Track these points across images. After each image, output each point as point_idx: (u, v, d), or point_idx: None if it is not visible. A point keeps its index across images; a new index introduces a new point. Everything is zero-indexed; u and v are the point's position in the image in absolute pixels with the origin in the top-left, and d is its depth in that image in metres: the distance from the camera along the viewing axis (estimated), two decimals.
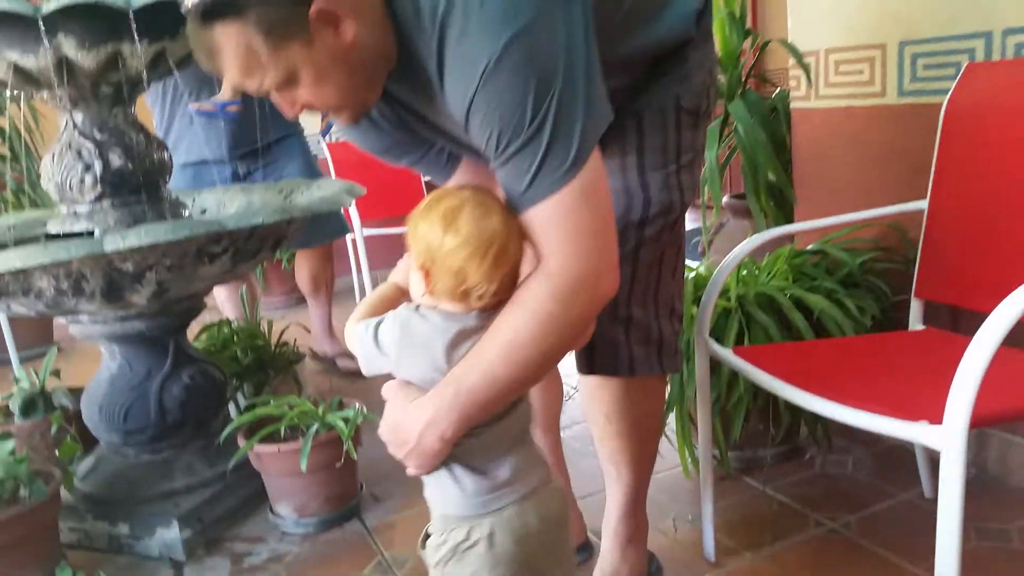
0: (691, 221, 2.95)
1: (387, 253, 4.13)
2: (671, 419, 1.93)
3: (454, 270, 1.00)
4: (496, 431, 1.08)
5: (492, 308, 1.05)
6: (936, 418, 1.10)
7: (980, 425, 1.17)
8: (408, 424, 1.04)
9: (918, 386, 1.34)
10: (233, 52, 1.00)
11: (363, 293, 3.95)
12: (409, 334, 1.05)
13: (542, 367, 1.06)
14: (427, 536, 1.13)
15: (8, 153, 3.73)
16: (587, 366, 1.38)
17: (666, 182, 1.30)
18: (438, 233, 1.00)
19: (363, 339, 1.08)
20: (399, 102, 1.16)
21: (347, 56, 1.02)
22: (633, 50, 1.22)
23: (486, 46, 0.96)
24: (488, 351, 1.01)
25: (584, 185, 1.00)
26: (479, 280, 1.01)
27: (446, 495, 1.10)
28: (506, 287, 1.04)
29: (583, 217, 1.01)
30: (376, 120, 1.23)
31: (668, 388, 1.87)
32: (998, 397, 1.20)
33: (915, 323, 1.71)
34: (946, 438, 1.08)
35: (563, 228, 1.01)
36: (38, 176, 3.68)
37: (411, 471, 1.08)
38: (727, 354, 1.52)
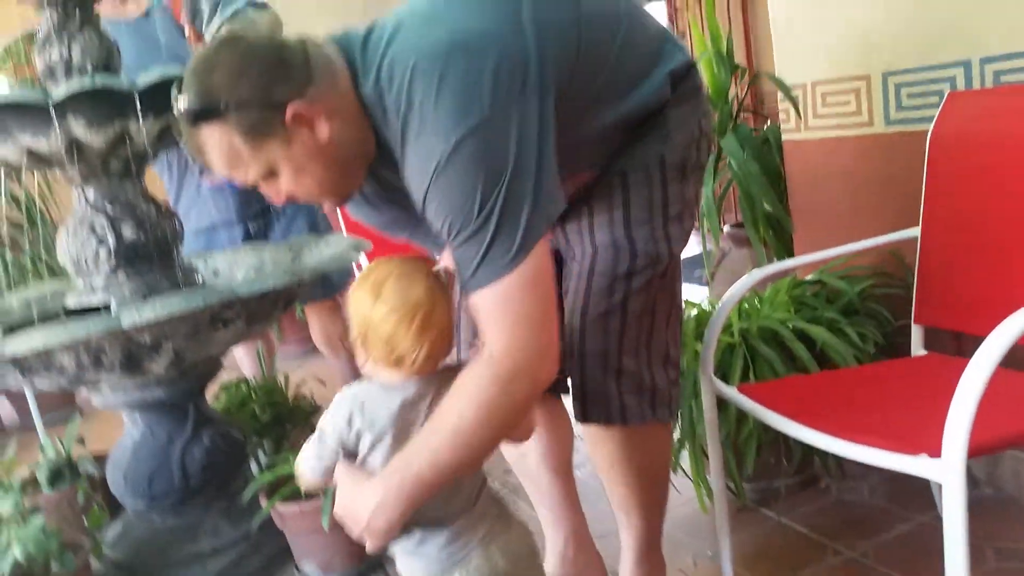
0: (696, 246, 2.99)
1: None
2: (684, 454, 1.96)
3: (384, 338, 1.10)
4: (450, 491, 1.16)
5: (430, 372, 1.13)
6: (935, 451, 1.13)
7: (980, 454, 1.19)
8: (358, 508, 1.11)
9: (918, 416, 1.36)
10: (218, 150, 1.11)
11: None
12: (360, 410, 1.13)
13: (486, 449, 1.13)
14: None
15: (25, 221, 3.82)
16: (581, 415, 1.41)
17: (652, 235, 1.33)
18: (368, 304, 1.10)
19: (306, 453, 1.18)
20: (387, 183, 1.23)
21: (323, 152, 1.12)
22: (609, 122, 1.27)
23: (438, 144, 1.05)
24: (433, 437, 1.08)
25: (527, 274, 1.07)
26: (409, 346, 1.09)
27: (414, 566, 1.18)
28: (439, 350, 1.12)
29: (524, 305, 1.08)
30: (370, 199, 1.30)
31: (679, 425, 1.89)
32: (999, 422, 1.22)
33: (917, 348, 1.73)
34: (944, 471, 1.11)
35: (504, 315, 1.08)
36: (54, 241, 3.77)
37: (369, 548, 1.14)
38: (732, 393, 1.54)
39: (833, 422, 1.33)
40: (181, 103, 1.11)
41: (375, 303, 1.10)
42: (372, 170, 1.21)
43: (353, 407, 1.14)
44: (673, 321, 1.43)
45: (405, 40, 1.11)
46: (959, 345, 1.76)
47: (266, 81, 1.07)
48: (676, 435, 1.90)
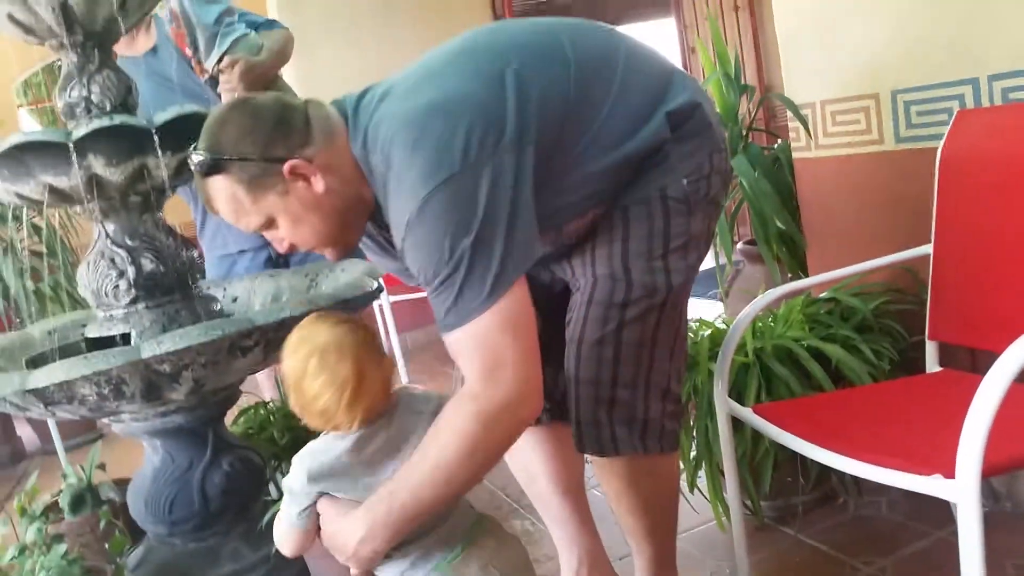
0: (710, 262, 3.00)
1: (413, 317, 4.23)
2: (701, 473, 1.96)
3: (317, 412, 1.17)
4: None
5: (366, 427, 1.20)
6: (949, 471, 1.13)
7: (996, 473, 1.20)
8: (344, 537, 1.18)
9: (932, 435, 1.36)
10: (223, 199, 1.22)
11: (391, 357, 4.00)
12: (318, 464, 1.20)
13: (468, 483, 1.18)
14: None
15: (45, 251, 3.87)
16: (578, 444, 1.42)
17: (649, 265, 1.35)
18: (299, 377, 1.17)
19: (283, 515, 1.27)
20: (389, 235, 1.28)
21: (319, 204, 1.20)
22: (609, 164, 1.29)
23: (409, 202, 1.12)
24: (415, 473, 1.14)
25: (502, 316, 1.12)
26: (344, 417, 1.16)
27: None
28: (376, 406, 1.19)
29: (500, 347, 1.12)
30: (385, 247, 1.35)
31: (694, 444, 1.90)
32: (1015, 440, 1.22)
33: (931, 365, 1.73)
34: (959, 492, 1.11)
35: (480, 356, 1.13)
36: (74, 267, 3.82)
37: (354, 573, 1.21)
38: (747, 414, 1.55)
39: (848, 442, 1.33)
40: (195, 157, 1.22)
41: (305, 378, 1.16)
42: (378, 223, 1.27)
43: (311, 464, 1.20)
44: (677, 354, 1.43)
45: (391, 105, 1.20)
46: (974, 361, 1.77)
47: (268, 139, 1.18)
48: (692, 453, 1.91)
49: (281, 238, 1.25)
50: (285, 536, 1.26)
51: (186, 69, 2.59)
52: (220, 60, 2.37)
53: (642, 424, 1.39)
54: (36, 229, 3.92)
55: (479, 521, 1.29)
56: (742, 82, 2.45)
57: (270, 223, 1.23)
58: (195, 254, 2.11)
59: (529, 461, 1.63)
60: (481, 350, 1.13)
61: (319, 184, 1.18)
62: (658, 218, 1.34)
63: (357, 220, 1.26)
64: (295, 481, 1.22)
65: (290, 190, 1.18)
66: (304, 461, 1.22)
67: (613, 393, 1.37)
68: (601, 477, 1.49)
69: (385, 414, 1.22)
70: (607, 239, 1.35)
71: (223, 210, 1.23)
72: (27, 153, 1.76)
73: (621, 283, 1.35)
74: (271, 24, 2.52)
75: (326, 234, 1.24)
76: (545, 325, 1.29)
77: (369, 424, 1.20)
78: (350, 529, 1.17)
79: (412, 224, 1.13)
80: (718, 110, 2.53)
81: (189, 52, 2.54)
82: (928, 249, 1.73)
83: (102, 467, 2.44)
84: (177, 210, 2.14)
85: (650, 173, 1.32)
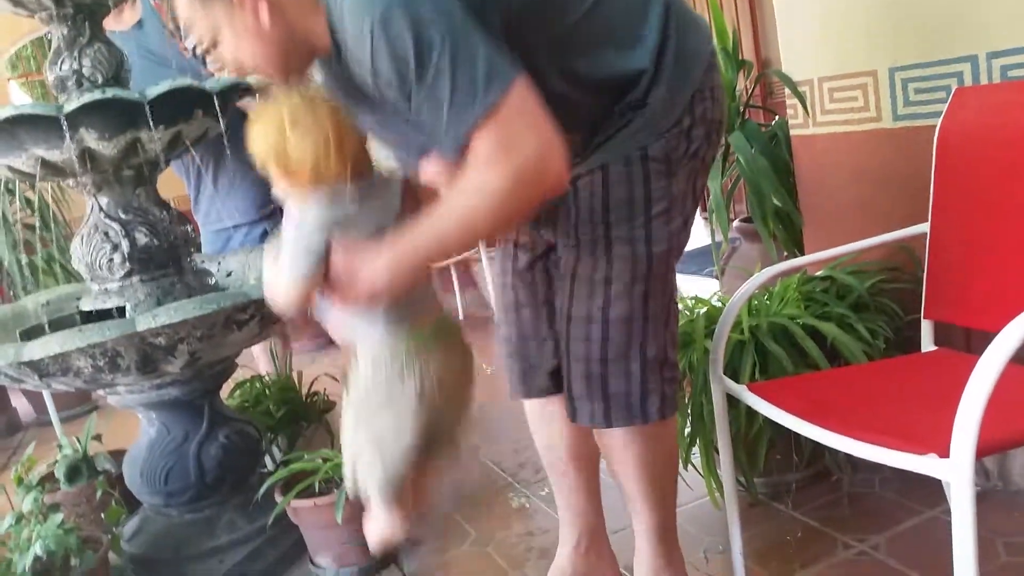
0: (705, 239, 2.99)
1: None
2: (695, 450, 1.97)
3: (309, 171, 1.15)
4: None
5: (356, 184, 1.18)
6: (943, 450, 1.13)
7: (990, 453, 1.20)
8: (359, 265, 1.16)
9: (927, 414, 1.36)
10: (182, 5, 1.18)
11: None
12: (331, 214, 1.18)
13: (488, 234, 1.23)
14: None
15: (39, 222, 3.85)
16: (571, 416, 1.44)
17: (631, 235, 1.33)
18: (280, 143, 1.15)
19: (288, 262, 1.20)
20: (352, 86, 1.23)
21: (260, 31, 1.16)
22: (583, 76, 1.26)
23: (366, 17, 1.08)
24: (439, 222, 1.14)
25: (509, 103, 1.07)
26: (337, 166, 1.16)
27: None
28: (361, 155, 1.20)
29: (515, 128, 1.09)
30: (355, 93, 1.27)
31: (689, 420, 1.91)
32: (1010, 420, 1.22)
33: (927, 344, 1.74)
34: (952, 471, 1.12)
35: (499, 144, 1.08)
36: (67, 240, 3.81)
37: (365, 301, 1.19)
38: (742, 392, 1.55)
39: (842, 421, 1.34)
40: None
41: (287, 142, 1.15)
42: (336, 75, 1.22)
43: (320, 212, 1.18)
44: (670, 321, 1.42)
45: None
46: (969, 341, 1.77)
47: None
48: (687, 431, 1.91)
49: (221, 60, 1.21)
50: (291, 285, 1.20)
51: (174, 41, 2.56)
52: None
53: (640, 396, 1.38)
54: (29, 202, 3.90)
55: (447, 326, 1.32)
56: (739, 57, 2.43)
57: (214, 38, 1.19)
58: (189, 228, 2.10)
59: (551, 431, 1.64)
60: (497, 141, 1.08)
61: (263, 11, 1.14)
62: (638, 182, 1.31)
63: (302, 56, 1.22)
64: (307, 225, 1.19)
65: (236, 12, 1.15)
66: (312, 210, 1.19)
67: (604, 369, 1.37)
68: (601, 443, 1.50)
69: (369, 179, 1.22)
70: (587, 207, 1.33)
71: (182, 14, 1.20)
72: (19, 127, 1.76)
73: (602, 259, 1.33)
74: None
75: (268, 61, 1.20)
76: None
77: (361, 179, 1.20)
78: (368, 258, 1.16)
79: (376, 31, 1.07)
80: None
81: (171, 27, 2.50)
82: (925, 228, 1.73)
83: (98, 438, 2.45)
84: (171, 184, 2.12)
85: (629, 126, 1.29)
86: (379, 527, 1.34)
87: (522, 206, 1.14)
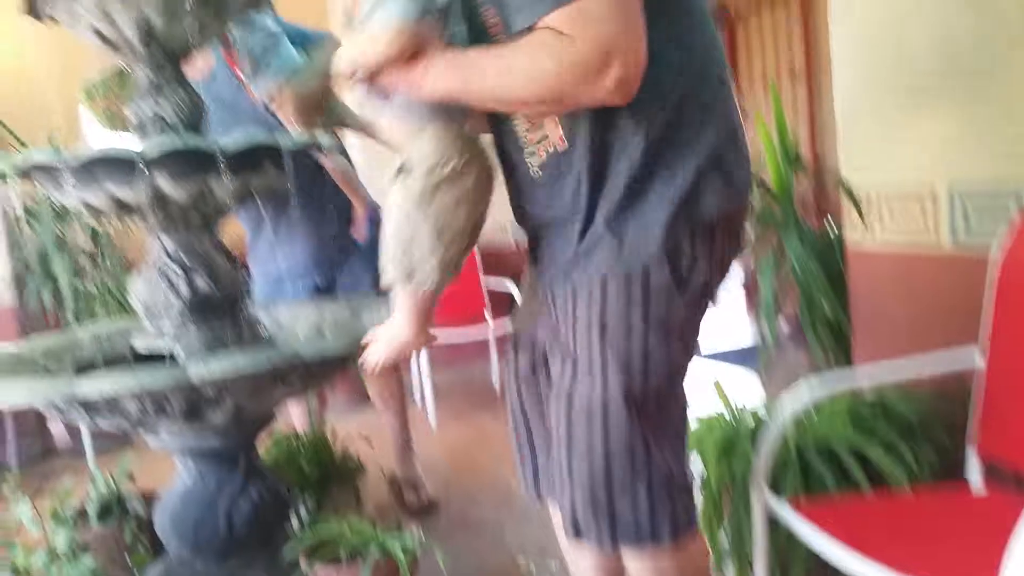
0: (752, 338, 2.95)
1: (448, 356, 4.23)
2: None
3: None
4: None
5: None
6: None
7: None
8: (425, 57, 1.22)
9: (973, 558, 1.32)
10: None
11: (423, 398, 4.00)
12: None
13: (522, 99, 1.19)
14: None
15: (98, 252, 3.96)
16: (572, 533, 1.35)
17: (627, 358, 1.26)
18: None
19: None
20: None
21: None
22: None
23: None
24: (490, 58, 1.18)
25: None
26: None
27: None
28: None
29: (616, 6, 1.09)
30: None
31: (728, 536, 1.86)
32: None
33: (974, 476, 1.69)
34: None
35: (586, 21, 1.08)
36: (123, 271, 3.89)
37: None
38: (787, 514, 1.52)
39: (887, 553, 1.31)
40: None
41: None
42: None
43: None
44: (677, 445, 1.34)
45: None
46: (1018, 476, 1.72)
47: None
48: (725, 545, 1.87)
49: None
50: (389, 33, 1.21)
51: (243, 94, 2.63)
52: (276, 87, 2.34)
53: (649, 514, 1.30)
54: (92, 231, 4.01)
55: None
56: (798, 160, 2.45)
57: None
58: (245, 277, 2.14)
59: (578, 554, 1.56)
60: (583, 16, 1.09)
61: None
62: (637, 303, 1.25)
63: None
64: None
65: None
66: None
67: (610, 496, 1.29)
68: (625, 563, 1.44)
69: None
70: (585, 324, 1.28)
71: None
72: (97, 164, 1.81)
73: (599, 379, 1.27)
74: (319, 38, 2.50)
75: None
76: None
77: None
78: (433, 52, 1.21)
79: None
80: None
81: (242, 77, 2.54)
82: (975, 354, 1.70)
83: (131, 478, 2.46)
84: (227, 225, 2.16)
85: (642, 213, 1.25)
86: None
87: (571, 89, 1.12)
